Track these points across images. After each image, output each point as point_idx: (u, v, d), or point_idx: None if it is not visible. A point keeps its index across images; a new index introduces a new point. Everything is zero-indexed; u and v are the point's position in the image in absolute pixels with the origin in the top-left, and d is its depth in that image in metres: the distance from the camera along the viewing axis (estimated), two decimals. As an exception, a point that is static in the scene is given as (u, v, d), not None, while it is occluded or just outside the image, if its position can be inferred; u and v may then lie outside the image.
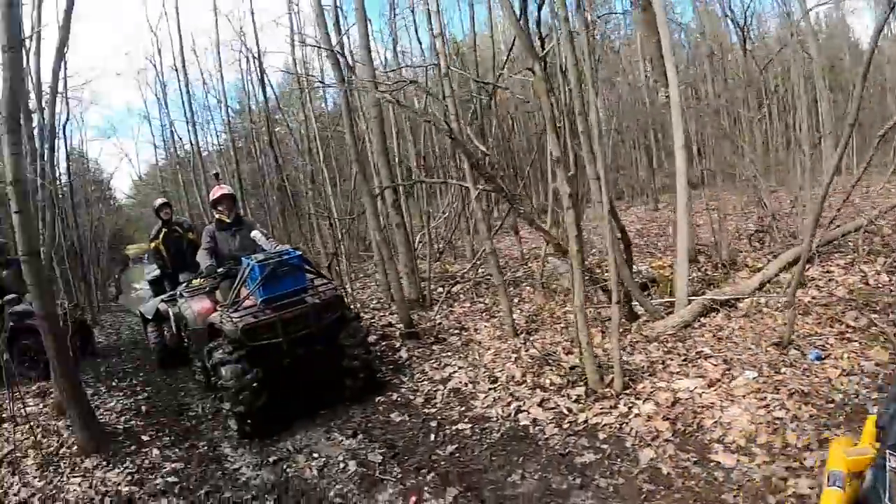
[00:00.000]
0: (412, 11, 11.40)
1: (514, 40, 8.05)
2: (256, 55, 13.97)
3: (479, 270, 9.71)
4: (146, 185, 31.51)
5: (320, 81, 9.67)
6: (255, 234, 6.39)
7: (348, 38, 10.43)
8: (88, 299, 15.40)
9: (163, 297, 8.59)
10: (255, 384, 5.38)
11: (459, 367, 6.43)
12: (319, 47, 7.92)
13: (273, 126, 14.21)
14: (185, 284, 7.79)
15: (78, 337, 8.97)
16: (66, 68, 10.10)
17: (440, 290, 9.42)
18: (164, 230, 9.08)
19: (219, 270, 6.33)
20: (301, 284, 5.82)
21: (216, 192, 6.76)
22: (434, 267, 9.72)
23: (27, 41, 8.09)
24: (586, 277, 7.79)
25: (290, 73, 13.73)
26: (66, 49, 8.36)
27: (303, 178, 14.58)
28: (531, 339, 6.59)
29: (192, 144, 18.42)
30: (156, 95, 22.35)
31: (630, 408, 4.70)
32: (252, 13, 15.68)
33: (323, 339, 5.88)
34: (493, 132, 10.46)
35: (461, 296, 9.07)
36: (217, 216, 6.73)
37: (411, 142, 13.51)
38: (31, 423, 6.26)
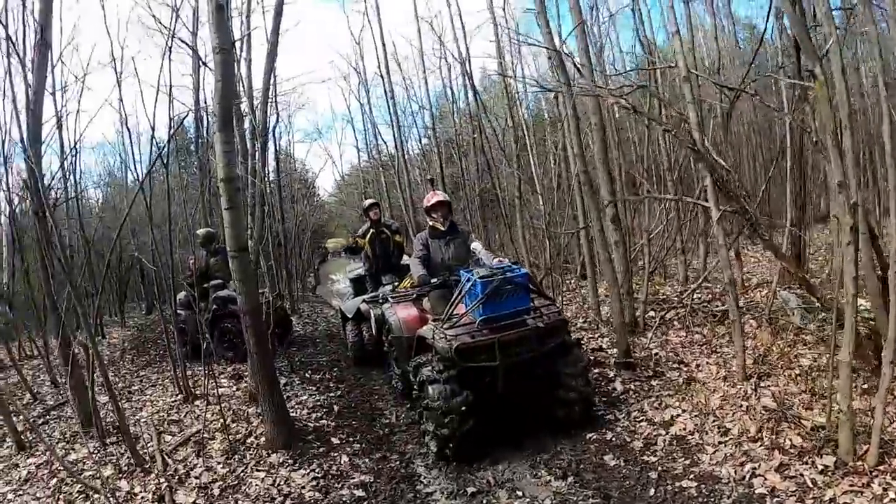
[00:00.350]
0: (633, 11, 10.39)
1: (760, 40, 6.99)
2: (462, 60, 13.97)
3: (695, 296, 8.78)
4: (348, 186, 33.25)
5: (541, 86, 8.97)
6: (476, 245, 6.13)
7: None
8: (289, 288, 16.19)
9: (365, 297, 8.61)
10: (463, 408, 5.00)
11: (683, 411, 5.59)
12: (544, 48, 7.21)
13: (483, 131, 13.94)
14: (390, 288, 7.79)
15: (278, 328, 9.29)
16: (275, 75, 10.57)
17: (651, 313, 8.60)
18: (371, 230, 9.11)
19: (433, 281, 6.08)
20: (524, 305, 5.32)
21: (431, 199, 6.51)
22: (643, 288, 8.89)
23: (237, 44, 8.45)
24: (820, 316, 6.70)
25: (508, 78, 13.29)
26: (275, 55, 8.63)
27: (506, 185, 14.32)
28: (762, 384, 5.66)
29: (396, 148, 18.99)
30: (359, 101, 23.32)
31: (885, 489, 3.80)
32: (459, 16, 15.63)
33: (541, 366, 5.40)
34: (728, 145, 9.26)
35: (675, 323, 8.16)
36: (431, 223, 6.52)
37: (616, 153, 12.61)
38: (223, 406, 6.41)
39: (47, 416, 7.44)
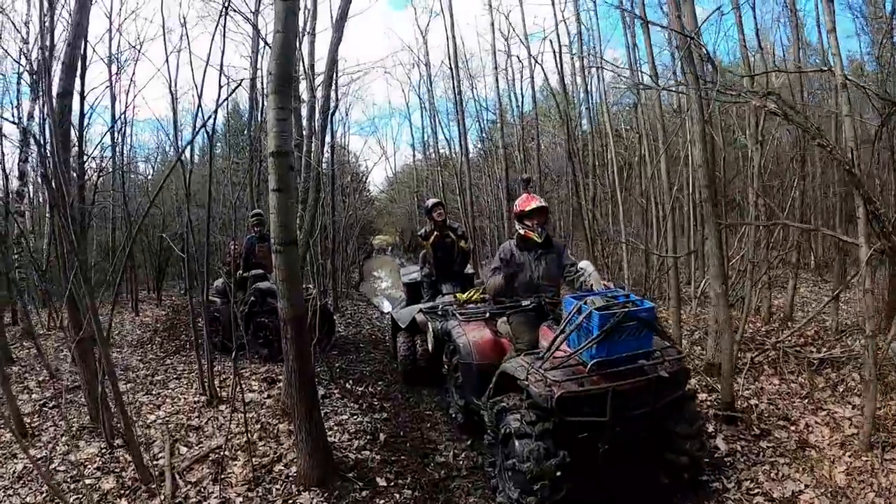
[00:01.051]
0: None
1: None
2: (533, 57, 12.80)
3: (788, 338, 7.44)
4: (399, 183, 32.37)
5: (640, 81, 7.36)
6: (585, 265, 4.82)
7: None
8: (333, 285, 15.23)
9: (421, 306, 7.42)
10: (558, 472, 3.79)
11: (805, 486, 4.34)
12: (673, 31, 5.90)
13: (573, 133, 12.00)
14: (450, 298, 6.88)
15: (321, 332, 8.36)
16: (337, 60, 9.37)
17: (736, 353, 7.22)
18: (434, 233, 7.92)
19: (524, 304, 4.93)
20: (646, 347, 4.09)
21: (528, 202, 5.14)
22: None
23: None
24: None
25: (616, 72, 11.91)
26: (345, 19, 7.61)
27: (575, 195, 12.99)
28: (886, 456, 4.45)
29: (460, 145, 17.87)
30: (419, 96, 22.42)
31: None
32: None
33: (650, 422, 4.20)
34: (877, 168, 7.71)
35: (764, 367, 6.91)
36: (522, 231, 5.17)
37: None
38: (250, 417, 5.50)
39: (59, 400, 6.53)
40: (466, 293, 7.28)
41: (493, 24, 14.76)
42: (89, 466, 4.83)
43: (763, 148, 7.21)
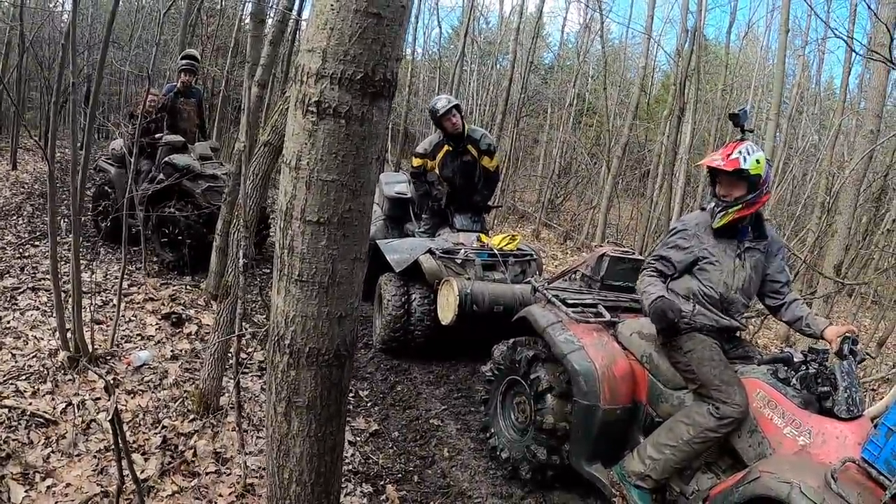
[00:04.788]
0: None
1: None
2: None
3: None
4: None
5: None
6: None
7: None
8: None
9: (429, 243, 4.36)
10: None
11: None
12: None
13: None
14: (474, 239, 4.51)
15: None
16: None
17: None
18: (446, 147, 4.82)
19: (716, 322, 2.56)
20: None
21: (729, 155, 2.44)
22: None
23: None
24: None
25: None
26: None
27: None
28: None
29: (467, 25, 13.37)
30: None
31: None
32: None
33: None
34: None
35: None
36: (720, 212, 2.51)
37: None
38: (141, 417, 3.00)
39: None
40: (500, 237, 4.58)
41: None
42: None
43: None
